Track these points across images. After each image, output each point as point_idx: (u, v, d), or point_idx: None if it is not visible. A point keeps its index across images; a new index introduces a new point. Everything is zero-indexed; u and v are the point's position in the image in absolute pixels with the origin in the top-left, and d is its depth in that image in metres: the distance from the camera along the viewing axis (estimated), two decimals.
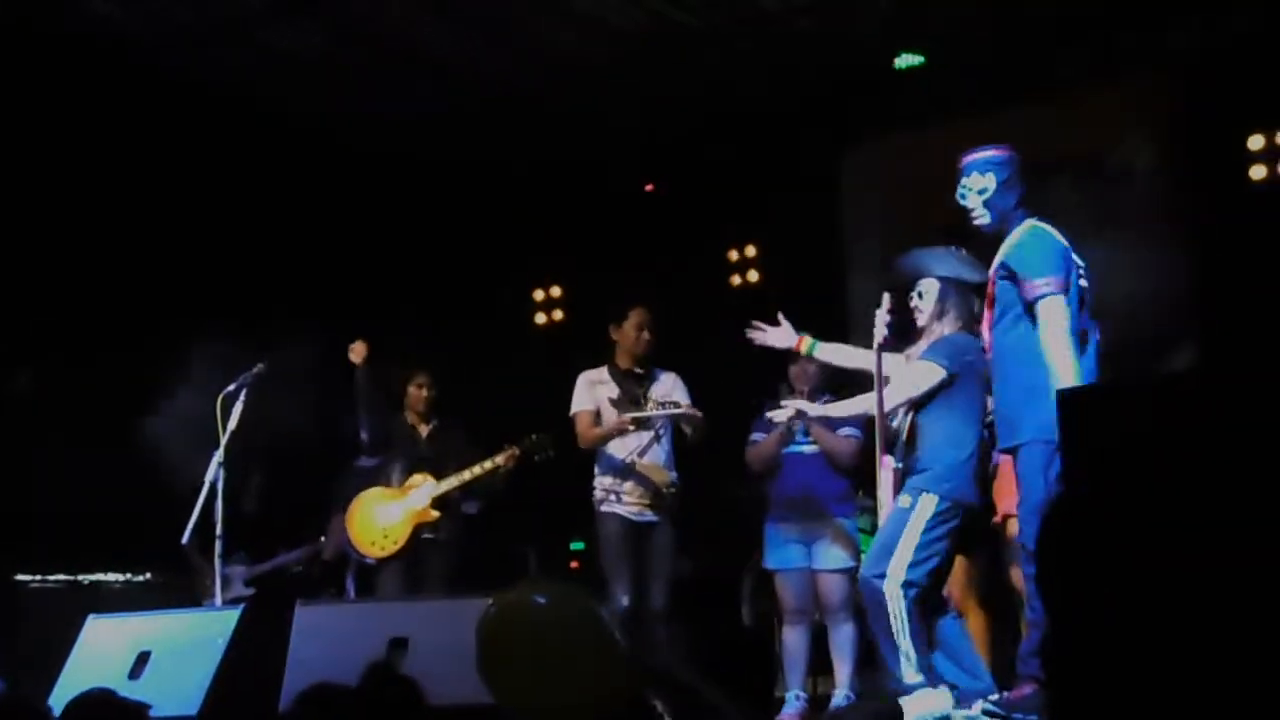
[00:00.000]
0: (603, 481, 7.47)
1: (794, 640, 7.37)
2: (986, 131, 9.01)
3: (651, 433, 7.48)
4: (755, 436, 7.46)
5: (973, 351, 5.95)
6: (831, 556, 7.25)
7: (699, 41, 9.06)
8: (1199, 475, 4.69)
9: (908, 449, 6.07)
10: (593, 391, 7.56)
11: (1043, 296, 5.56)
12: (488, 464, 7.61)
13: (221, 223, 9.29)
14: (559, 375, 7.81)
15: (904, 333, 6.34)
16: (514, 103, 9.80)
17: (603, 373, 7.61)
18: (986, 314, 5.87)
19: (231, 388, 7.01)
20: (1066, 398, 3.94)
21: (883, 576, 5.75)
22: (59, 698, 5.39)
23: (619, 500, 7.41)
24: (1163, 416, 5.04)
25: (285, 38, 8.93)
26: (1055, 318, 5.53)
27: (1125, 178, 9.19)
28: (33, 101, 8.49)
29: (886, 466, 6.18)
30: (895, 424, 6.18)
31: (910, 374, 6.06)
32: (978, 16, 8.67)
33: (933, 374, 5.95)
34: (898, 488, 6.01)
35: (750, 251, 10.35)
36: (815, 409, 6.62)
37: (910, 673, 5.68)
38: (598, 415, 7.51)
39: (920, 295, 6.13)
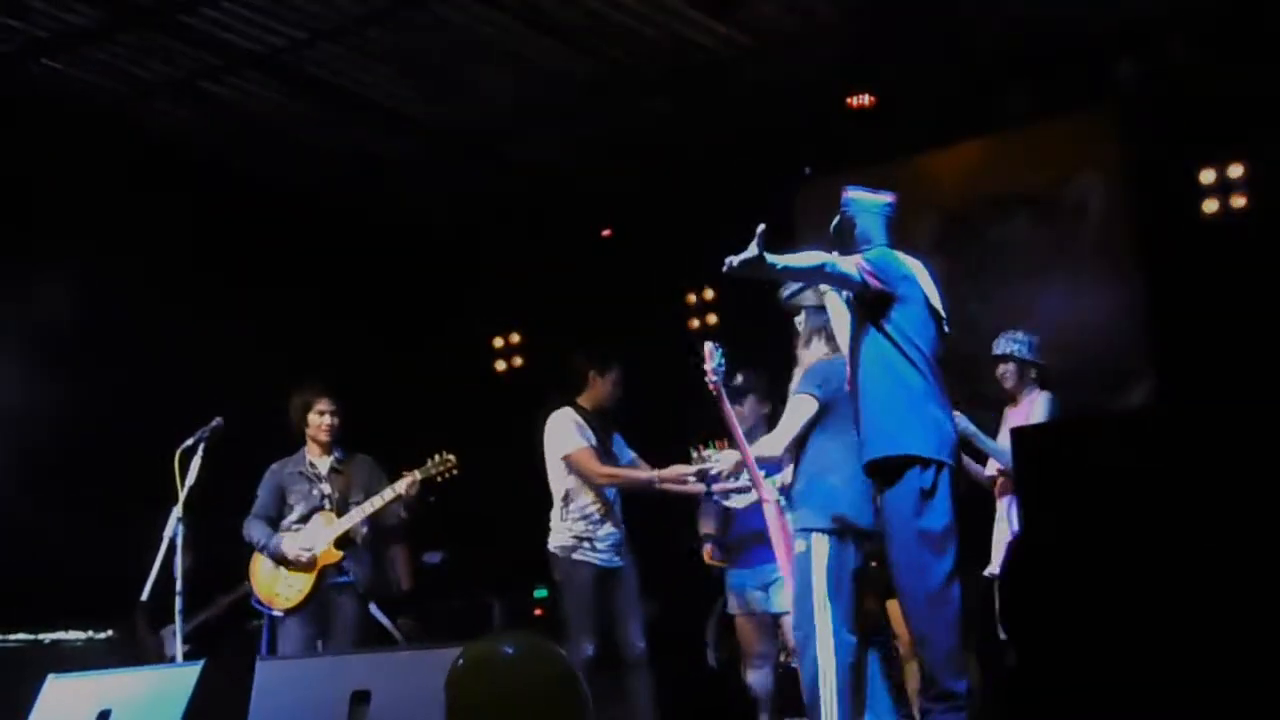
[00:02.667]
0: (574, 529, 7.37)
1: (758, 680, 7.34)
2: (939, 169, 9.16)
3: None
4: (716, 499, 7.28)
5: (841, 375, 5.88)
6: (788, 598, 7.20)
7: (651, 88, 9.10)
8: (1156, 509, 4.72)
9: (793, 485, 6.09)
10: (584, 431, 7.45)
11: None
12: (388, 493, 7.33)
13: (175, 273, 9.22)
14: (519, 421, 7.76)
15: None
16: (469, 150, 9.81)
17: (577, 415, 7.49)
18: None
19: (189, 442, 6.90)
20: (1024, 435, 3.97)
21: (810, 636, 5.75)
22: None
23: (593, 548, 7.35)
24: (1121, 452, 5.06)
25: (237, 91, 8.91)
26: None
27: (1079, 212, 9.25)
28: None
29: (769, 500, 6.23)
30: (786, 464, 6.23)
31: (787, 412, 6.10)
32: (927, 56, 8.73)
33: (806, 406, 5.99)
34: (782, 522, 6.15)
35: (708, 295, 10.36)
36: (750, 452, 6.66)
37: None
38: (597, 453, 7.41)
39: (798, 328, 6.23)
